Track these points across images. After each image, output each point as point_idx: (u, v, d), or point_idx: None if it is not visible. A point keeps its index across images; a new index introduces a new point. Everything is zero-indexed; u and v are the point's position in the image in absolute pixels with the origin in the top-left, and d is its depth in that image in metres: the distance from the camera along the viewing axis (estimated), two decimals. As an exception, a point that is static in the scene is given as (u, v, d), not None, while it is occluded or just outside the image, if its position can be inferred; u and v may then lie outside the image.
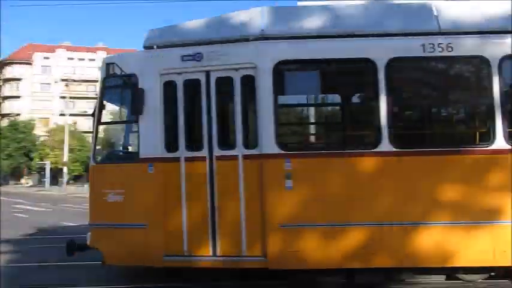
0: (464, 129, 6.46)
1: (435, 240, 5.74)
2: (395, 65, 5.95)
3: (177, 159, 6.31)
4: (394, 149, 5.84)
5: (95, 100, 7.30)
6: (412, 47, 5.94)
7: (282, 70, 6.11)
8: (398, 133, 5.92)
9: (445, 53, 5.87)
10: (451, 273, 6.12)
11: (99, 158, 6.69)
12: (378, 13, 6.21)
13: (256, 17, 6.35)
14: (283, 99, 6.18)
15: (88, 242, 6.63)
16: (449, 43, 5.84)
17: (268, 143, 5.99)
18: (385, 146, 5.85)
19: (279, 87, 6.08)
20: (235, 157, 6.16)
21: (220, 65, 6.26)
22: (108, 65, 6.50)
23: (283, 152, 5.97)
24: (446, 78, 6.16)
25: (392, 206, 5.81)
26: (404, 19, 6.09)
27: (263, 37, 6.18)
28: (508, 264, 5.62)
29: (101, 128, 6.72)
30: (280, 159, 5.96)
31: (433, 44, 5.89)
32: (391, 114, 5.88)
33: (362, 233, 5.78)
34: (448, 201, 5.75)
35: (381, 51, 5.95)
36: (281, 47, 6.11)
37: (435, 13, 6.08)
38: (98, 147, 6.72)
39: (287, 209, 5.92)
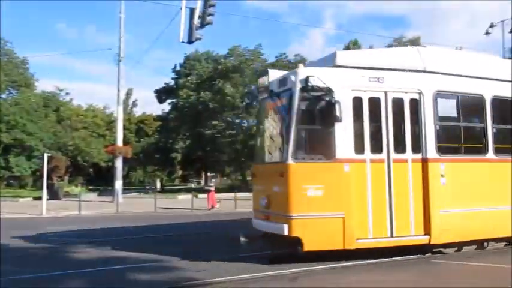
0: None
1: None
2: (495, 100, 8.81)
3: (364, 161, 7.81)
4: (496, 157, 8.69)
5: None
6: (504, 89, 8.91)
7: (438, 96, 8.28)
8: (500, 147, 8.77)
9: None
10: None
11: (296, 157, 7.58)
12: (493, 63, 9.01)
13: (419, 54, 8.39)
14: (438, 118, 8.32)
15: (286, 232, 7.47)
16: None
17: (431, 150, 8.09)
18: (491, 153, 8.66)
19: (436, 109, 8.23)
20: (405, 160, 8.04)
21: (396, 88, 8.06)
22: (308, 77, 7.52)
23: (439, 157, 8.15)
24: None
25: (497, 194, 8.60)
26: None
27: (425, 71, 8.25)
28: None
29: (297, 130, 7.63)
30: (438, 163, 8.12)
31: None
32: (497, 135, 8.72)
33: (490, 214, 8.39)
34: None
35: (488, 90, 8.74)
36: (438, 80, 8.29)
37: None
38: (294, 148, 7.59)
39: (443, 199, 8.10)
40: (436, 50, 8.75)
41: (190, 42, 13.91)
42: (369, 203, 7.80)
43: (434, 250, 8.40)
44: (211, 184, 23.70)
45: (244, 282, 6.89)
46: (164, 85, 50.23)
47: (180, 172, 62.73)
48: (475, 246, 8.81)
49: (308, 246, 7.49)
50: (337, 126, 7.64)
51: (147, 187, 51.39)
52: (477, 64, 9.02)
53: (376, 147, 7.94)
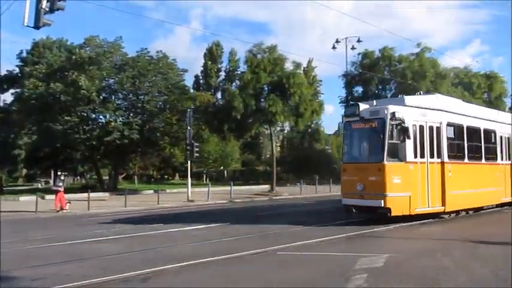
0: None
1: (489, 195, 15.21)
2: (469, 128, 15.13)
3: (417, 163, 13.24)
4: (468, 161, 15.00)
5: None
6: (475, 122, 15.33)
7: (447, 125, 14.15)
8: (470, 155, 15.10)
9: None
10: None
11: (387, 160, 12.62)
12: (479, 110, 15.38)
13: (438, 100, 14.21)
14: (448, 138, 14.16)
15: (382, 205, 12.46)
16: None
17: (445, 157, 13.91)
18: (466, 159, 14.93)
19: (447, 133, 14.08)
20: (434, 162, 13.72)
21: (431, 120, 13.70)
22: (394, 112, 12.67)
23: (449, 161, 14.02)
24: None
25: (479, 182, 14.91)
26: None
27: (441, 110, 14.06)
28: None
29: (388, 143, 12.67)
30: (448, 164, 13.99)
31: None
32: (468, 148, 15.02)
33: (477, 193, 14.62)
34: (487, 180, 15.35)
35: (465, 122, 15.02)
36: (448, 116, 14.20)
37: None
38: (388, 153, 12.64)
39: (451, 185, 13.97)
40: (446, 98, 14.77)
41: (37, 27, 12.07)
42: (419, 187, 13.26)
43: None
44: (60, 184, 21.23)
45: (91, 286, 6.81)
46: (6, 73, 45.15)
47: (24, 171, 55.62)
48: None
49: (394, 212, 12.63)
50: (407, 141, 12.91)
51: (-20, 188, 45.18)
52: (461, 107, 15.28)
53: (422, 155, 13.45)
